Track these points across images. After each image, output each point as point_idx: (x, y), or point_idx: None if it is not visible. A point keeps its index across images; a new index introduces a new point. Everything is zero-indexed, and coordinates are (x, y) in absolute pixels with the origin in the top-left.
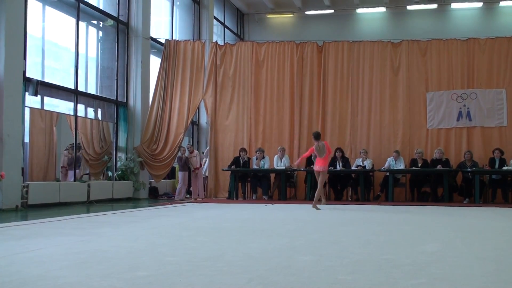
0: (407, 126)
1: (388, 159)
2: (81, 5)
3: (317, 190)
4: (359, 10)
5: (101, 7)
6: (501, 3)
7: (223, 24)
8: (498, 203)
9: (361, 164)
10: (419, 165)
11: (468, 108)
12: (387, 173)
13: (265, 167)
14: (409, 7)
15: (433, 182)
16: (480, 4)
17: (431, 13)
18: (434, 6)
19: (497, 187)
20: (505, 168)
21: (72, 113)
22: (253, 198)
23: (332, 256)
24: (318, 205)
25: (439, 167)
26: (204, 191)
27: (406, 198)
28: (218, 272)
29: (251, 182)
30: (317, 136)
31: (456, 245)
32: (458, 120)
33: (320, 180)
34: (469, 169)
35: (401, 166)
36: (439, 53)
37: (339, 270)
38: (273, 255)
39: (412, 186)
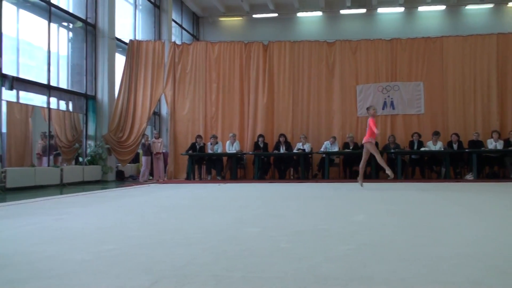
0: (341, 114)
1: (325, 142)
2: (52, 8)
3: (379, 162)
4: (299, 14)
5: (70, 10)
6: (420, 8)
7: (180, 26)
8: (416, 179)
9: (302, 148)
10: (351, 147)
11: (391, 98)
12: (324, 155)
13: (219, 151)
14: (342, 11)
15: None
16: (402, 9)
17: (361, 17)
18: (363, 10)
19: (416, 166)
20: (422, 149)
21: (45, 105)
22: (208, 178)
23: (275, 228)
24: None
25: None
26: (165, 173)
27: (339, 176)
28: (176, 244)
29: (206, 164)
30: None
31: (381, 215)
32: (383, 108)
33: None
34: (392, 151)
35: (335, 149)
36: (367, 51)
37: (280, 239)
38: (224, 228)
39: (345, 166)
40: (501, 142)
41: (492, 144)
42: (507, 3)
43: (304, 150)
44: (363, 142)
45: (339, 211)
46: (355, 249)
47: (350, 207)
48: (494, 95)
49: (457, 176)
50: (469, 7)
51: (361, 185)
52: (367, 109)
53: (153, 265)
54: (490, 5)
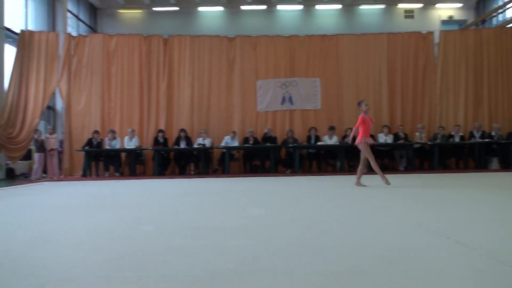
0: (241, 109)
1: (225, 137)
2: None
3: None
4: (200, 8)
5: None
6: (317, 7)
7: (77, 17)
8: (313, 172)
9: (202, 143)
10: (251, 142)
11: (290, 94)
12: (224, 150)
13: (117, 147)
14: (243, 7)
15: (262, 157)
16: (301, 7)
17: (261, 13)
18: (264, 7)
19: (313, 159)
20: (319, 143)
21: None
22: (106, 175)
23: (171, 225)
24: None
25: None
26: (60, 170)
27: (240, 171)
28: (64, 245)
29: (103, 161)
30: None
31: (278, 209)
32: (282, 104)
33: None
34: (291, 145)
35: (236, 143)
36: (267, 47)
37: (175, 237)
38: (117, 227)
39: (245, 160)
40: (391, 136)
41: (383, 138)
42: (397, 5)
43: (204, 145)
44: (355, 143)
45: (236, 206)
46: (248, 243)
47: (248, 202)
48: (384, 91)
49: (351, 169)
50: (363, 7)
51: (387, 183)
52: (359, 104)
53: (38, 268)
54: (382, 6)
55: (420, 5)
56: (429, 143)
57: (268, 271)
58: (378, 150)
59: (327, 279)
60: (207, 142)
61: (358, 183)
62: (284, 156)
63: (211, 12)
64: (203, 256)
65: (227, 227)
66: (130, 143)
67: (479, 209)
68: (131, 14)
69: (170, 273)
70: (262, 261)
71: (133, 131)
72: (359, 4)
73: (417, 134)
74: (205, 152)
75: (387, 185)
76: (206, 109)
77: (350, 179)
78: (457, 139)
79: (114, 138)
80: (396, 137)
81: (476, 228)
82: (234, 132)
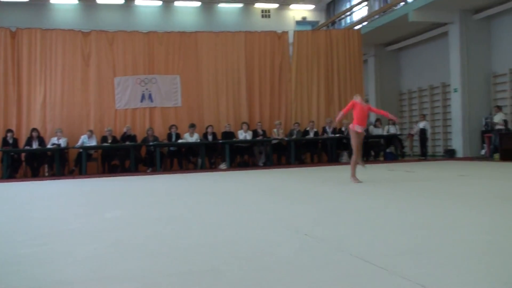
0: (98, 107)
1: (82, 137)
2: None
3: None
4: (53, 1)
5: None
6: (176, 3)
7: None
8: (174, 170)
9: (57, 142)
10: (109, 141)
11: (150, 91)
12: (81, 150)
13: None
14: (99, 1)
15: (121, 156)
16: (160, 3)
17: (119, 8)
18: (122, 1)
19: (174, 157)
20: (180, 141)
21: None
22: None
23: (18, 232)
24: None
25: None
26: None
27: (98, 171)
28: None
29: None
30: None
31: (137, 210)
32: (141, 101)
33: (360, 143)
34: (151, 143)
35: (93, 143)
36: (125, 43)
37: (23, 245)
38: None
39: (103, 160)
40: (250, 132)
41: (242, 135)
42: (254, 4)
43: (59, 145)
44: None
45: (93, 208)
46: (101, 248)
47: (106, 203)
48: (243, 89)
49: (212, 166)
50: (221, 5)
51: (356, 181)
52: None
53: None
54: (240, 5)
55: (276, 5)
56: (286, 139)
57: (118, 276)
58: (238, 147)
59: (183, 280)
60: (63, 142)
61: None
62: (144, 154)
63: (65, 5)
64: (52, 265)
65: (82, 232)
66: None
67: (330, 203)
68: None
69: (12, 284)
70: (116, 266)
71: None
72: (218, 2)
73: (275, 130)
74: (60, 152)
75: (356, 183)
76: (60, 107)
77: (211, 176)
78: (311, 135)
79: None
80: (255, 133)
81: (327, 221)
82: (91, 131)
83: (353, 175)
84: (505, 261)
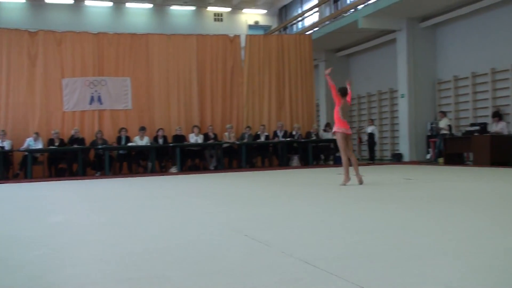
0: (44, 109)
1: (27, 139)
2: None
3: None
4: None
5: None
6: (127, 5)
7: None
8: (124, 174)
9: (0, 145)
10: (56, 144)
11: (99, 93)
12: (26, 153)
13: None
14: (47, 1)
15: (69, 159)
16: (110, 4)
17: (67, 8)
18: (71, 1)
19: (124, 161)
20: (129, 144)
21: None
22: None
23: None
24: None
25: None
26: None
27: (44, 175)
28: None
29: None
30: (344, 93)
31: (82, 214)
32: (90, 103)
33: (350, 147)
34: (100, 146)
35: (39, 145)
36: (73, 44)
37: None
38: None
39: (49, 164)
40: (201, 136)
41: (193, 138)
42: (207, 7)
43: (3, 147)
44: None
45: (36, 213)
46: (42, 254)
47: (50, 208)
48: (195, 92)
49: (163, 170)
50: (173, 7)
51: (345, 183)
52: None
53: None
54: (192, 8)
55: (228, 9)
56: (237, 142)
57: (61, 284)
58: (189, 150)
59: (131, 286)
60: (7, 145)
61: (350, 178)
62: (93, 158)
63: (10, 4)
64: None
65: (22, 237)
66: None
67: (279, 207)
68: None
69: None
70: (57, 273)
71: None
72: (170, 5)
73: (226, 134)
74: (4, 155)
75: (343, 185)
76: (4, 109)
77: (161, 179)
78: (262, 139)
79: None
80: (206, 137)
81: (276, 225)
82: (37, 134)
83: (346, 175)
84: (446, 263)
